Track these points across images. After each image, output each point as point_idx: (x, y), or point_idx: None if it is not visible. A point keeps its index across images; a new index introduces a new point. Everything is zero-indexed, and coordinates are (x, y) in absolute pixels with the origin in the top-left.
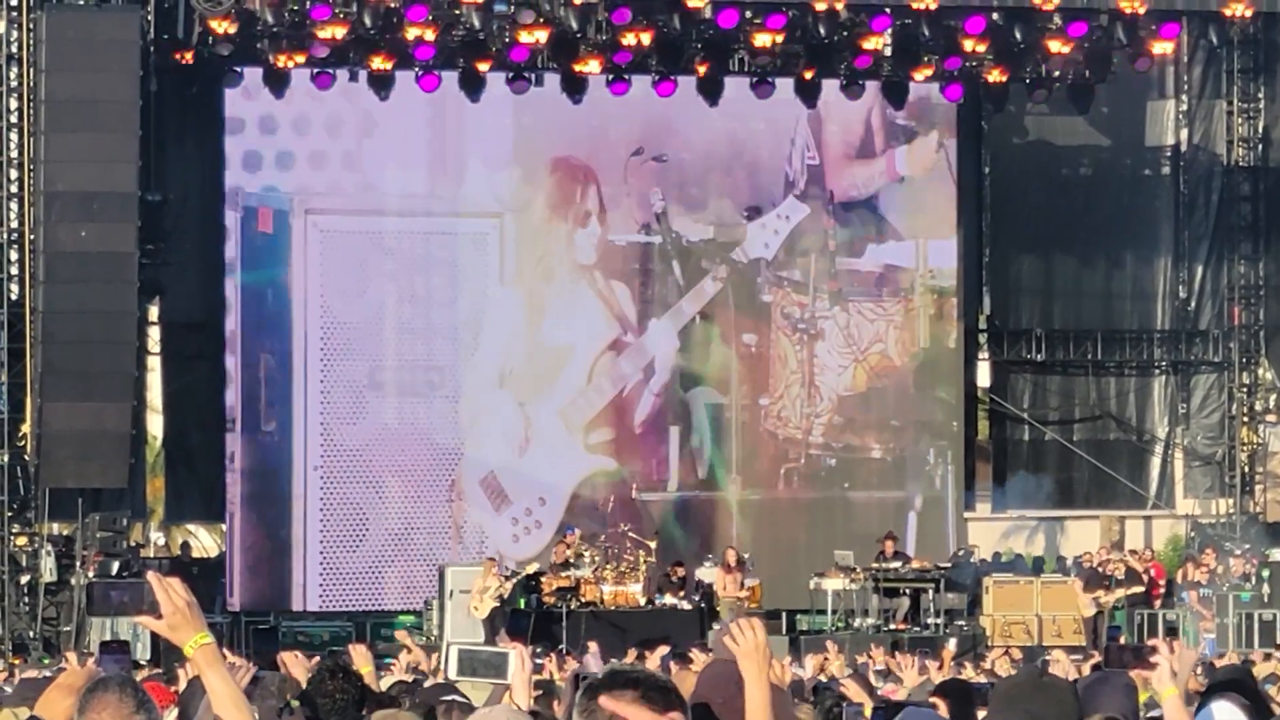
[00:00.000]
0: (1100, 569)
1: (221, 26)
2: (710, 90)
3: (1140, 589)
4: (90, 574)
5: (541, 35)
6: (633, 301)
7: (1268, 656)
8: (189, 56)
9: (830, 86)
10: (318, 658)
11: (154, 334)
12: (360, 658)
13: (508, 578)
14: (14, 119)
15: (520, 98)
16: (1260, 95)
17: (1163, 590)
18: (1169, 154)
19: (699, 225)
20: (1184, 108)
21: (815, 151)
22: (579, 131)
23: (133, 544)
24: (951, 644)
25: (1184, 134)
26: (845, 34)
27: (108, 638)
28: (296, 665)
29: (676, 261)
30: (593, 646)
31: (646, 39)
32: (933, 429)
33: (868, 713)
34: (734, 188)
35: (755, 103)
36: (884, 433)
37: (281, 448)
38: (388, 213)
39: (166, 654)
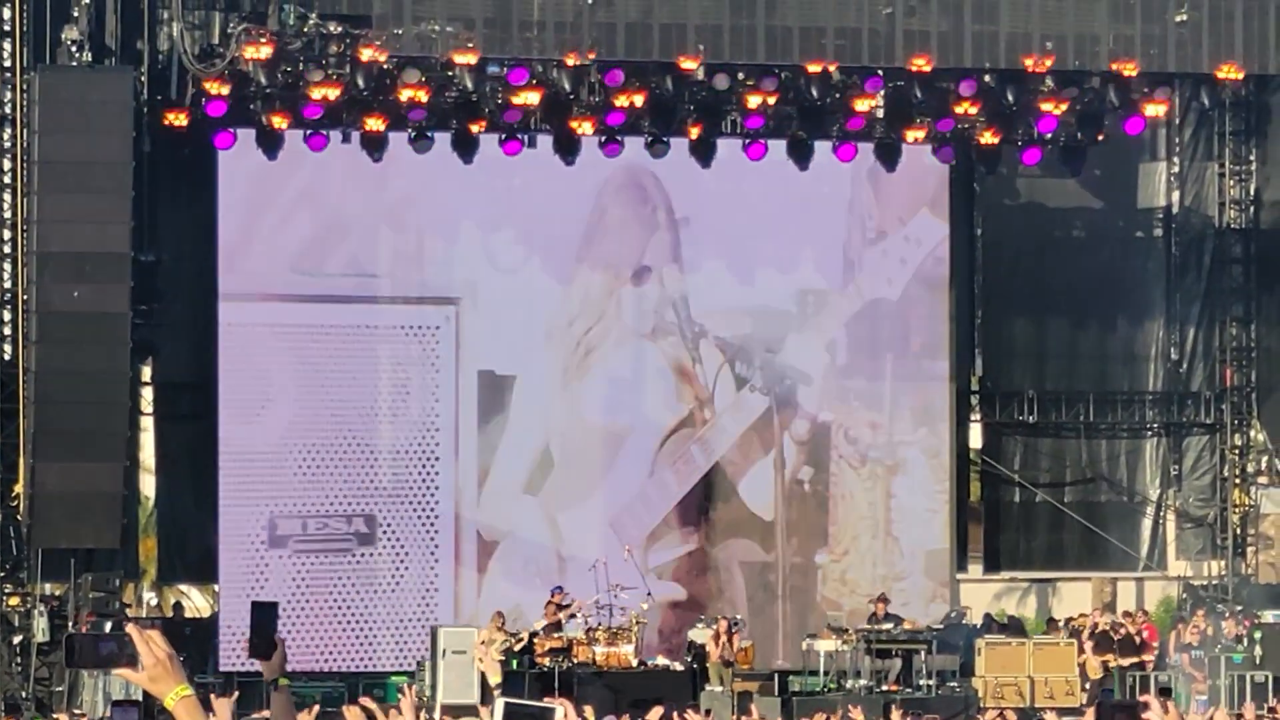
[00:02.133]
0: (1109, 631)
1: (215, 88)
2: (702, 152)
3: (1149, 656)
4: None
5: (534, 97)
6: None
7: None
8: (182, 117)
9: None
10: (316, 706)
11: (147, 394)
12: None
13: (512, 634)
14: (7, 179)
15: (539, 162)
16: (1252, 158)
17: (1155, 652)
18: (1161, 216)
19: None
20: (1175, 170)
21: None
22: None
23: (120, 604)
24: None
25: (1175, 196)
26: (837, 96)
27: (100, 697)
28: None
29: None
30: (587, 709)
31: (639, 100)
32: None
33: None
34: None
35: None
36: None
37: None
38: (332, 296)
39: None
